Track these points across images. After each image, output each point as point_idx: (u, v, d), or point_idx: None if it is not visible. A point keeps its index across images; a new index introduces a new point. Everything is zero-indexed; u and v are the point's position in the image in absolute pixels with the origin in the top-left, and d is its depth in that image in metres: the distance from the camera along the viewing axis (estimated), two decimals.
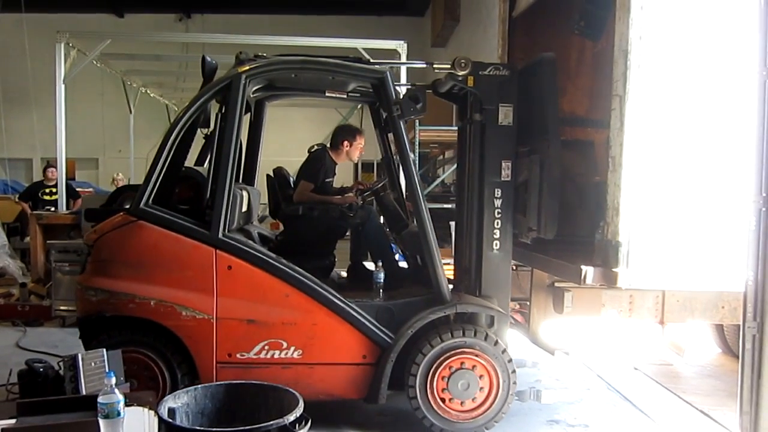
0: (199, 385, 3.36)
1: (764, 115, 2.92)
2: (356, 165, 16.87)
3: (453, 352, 3.95)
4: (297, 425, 2.89)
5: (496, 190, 4.26)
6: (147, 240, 3.91)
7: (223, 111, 3.99)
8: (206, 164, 4.53)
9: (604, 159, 3.83)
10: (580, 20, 4.86)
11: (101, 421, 2.66)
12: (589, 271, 3.77)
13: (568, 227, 4.40)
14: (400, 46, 9.04)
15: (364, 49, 8.78)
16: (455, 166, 12.05)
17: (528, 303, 4.92)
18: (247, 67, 4.02)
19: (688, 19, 3.68)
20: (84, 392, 3.48)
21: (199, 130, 4.19)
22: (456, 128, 10.61)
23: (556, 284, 4.40)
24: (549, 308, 4.50)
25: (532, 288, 4.82)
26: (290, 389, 3.20)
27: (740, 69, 3.52)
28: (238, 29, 14.08)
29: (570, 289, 4.23)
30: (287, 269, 3.95)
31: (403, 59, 8.80)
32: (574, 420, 4.39)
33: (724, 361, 5.84)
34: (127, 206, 4.18)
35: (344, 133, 5.24)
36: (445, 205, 8.56)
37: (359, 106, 11.52)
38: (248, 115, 4.77)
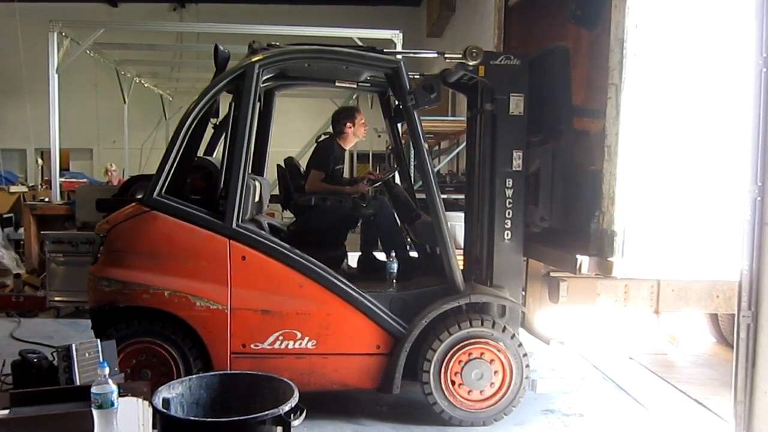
0: (194, 376, 3.35)
1: (760, 104, 2.92)
2: (351, 155, 16.83)
3: (470, 341, 3.97)
4: (292, 415, 2.89)
5: (507, 180, 4.27)
6: (160, 230, 3.91)
7: (236, 101, 3.97)
8: (215, 153, 4.53)
9: (600, 148, 3.82)
10: (576, 9, 4.83)
11: (95, 412, 2.65)
12: (584, 261, 3.78)
13: (565, 216, 4.40)
14: (396, 35, 9.02)
15: (360, 38, 8.75)
16: (450, 156, 12.16)
17: (523, 292, 4.93)
18: (261, 57, 4.00)
19: (685, 8, 3.66)
20: (78, 383, 3.47)
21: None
22: (452, 118, 10.66)
23: (552, 274, 4.40)
24: (544, 298, 4.50)
25: (527, 278, 4.82)
26: (285, 379, 3.19)
27: (736, 58, 3.51)
28: (232, 18, 14.01)
29: (565, 278, 4.24)
30: (301, 259, 3.95)
31: (399, 49, 8.78)
32: (569, 409, 4.40)
33: (719, 351, 5.86)
34: (140, 196, 4.17)
35: (343, 117, 5.24)
36: (441, 195, 8.55)
37: (354, 96, 11.49)
38: (258, 104, 4.77)
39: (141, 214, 3.93)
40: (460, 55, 4.13)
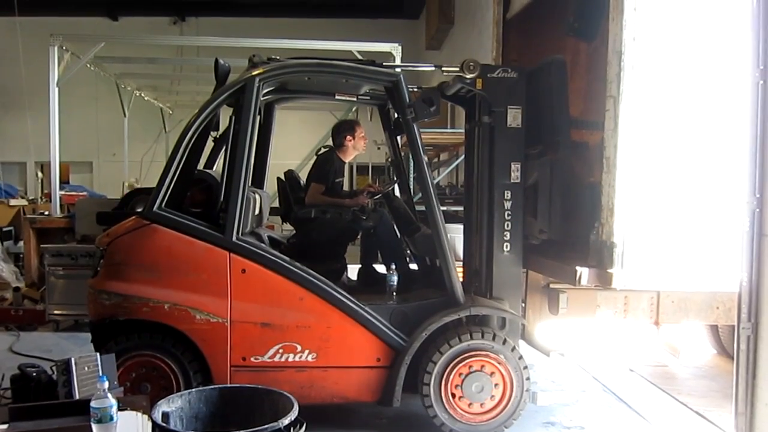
0: (193, 389, 3.34)
1: (757, 116, 2.93)
2: (351, 168, 16.87)
3: (471, 353, 3.96)
4: (292, 428, 2.88)
5: (505, 192, 4.27)
6: (160, 243, 3.91)
7: (236, 114, 3.98)
8: (216, 167, 4.54)
9: (599, 160, 3.83)
10: (574, 22, 4.86)
11: (94, 426, 2.64)
12: (583, 272, 3.77)
13: (564, 228, 4.40)
14: (395, 48, 9.06)
15: (359, 51, 8.79)
16: (450, 168, 12.18)
17: (523, 304, 4.92)
18: (261, 70, 4.02)
19: (682, 20, 3.69)
20: (77, 397, 3.46)
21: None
22: (451, 131, 10.70)
23: (551, 285, 4.40)
24: (544, 309, 4.50)
25: (527, 289, 4.82)
26: (285, 392, 3.19)
27: (734, 70, 3.53)
28: (232, 32, 14.04)
29: (565, 290, 4.24)
30: (301, 272, 3.95)
31: (398, 62, 8.82)
32: (569, 422, 4.39)
33: (719, 362, 5.85)
34: (140, 210, 4.17)
35: (344, 130, 5.28)
36: (441, 207, 8.57)
37: (354, 109, 11.53)
38: (258, 117, 4.78)
39: (141, 228, 3.93)
40: (458, 68, 4.15)
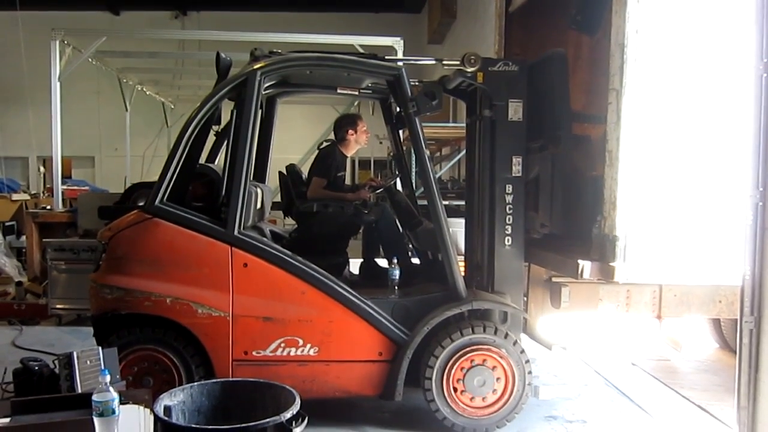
0: (195, 383, 3.35)
1: (761, 109, 2.91)
2: (353, 162, 16.87)
3: (472, 347, 3.96)
4: (293, 422, 2.88)
5: (507, 186, 4.26)
6: (162, 237, 3.91)
7: (238, 108, 3.98)
8: (217, 161, 4.54)
9: (601, 154, 3.82)
10: (577, 14, 4.85)
11: (96, 420, 2.64)
12: (586, 266, 3.77)
13: (565, 222, 4.40)
14: (397, 42, 9.05)
15: (361, 45, 8.77)
16: (452, 162, 12.18)
17: (525, 298, 4.92)
18: (263, 64, 4.01)
19: (685, 13, 3.67)
20: (80, 390, 3.46)
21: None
22: (453, 125, 10.68)
23: (553, 279, 4.40)
24: (546, 303, 4.49)
25: (529, 283, 4.82)
26: (287, 386, 3.19)
27: (737, 63, 3.51)
28: (233, 26, 14.08)
29: (567, 283, 4.23)
30: (303, 266, 3.95)
31: (400, 56, 8.81)
32: (572, 416, 4.39)
33: (722, 356, 5.84)
34: (142, 204, 4.17)
35: (345, 124, 5.27)
36: (443, 202, 8.57)
37: (356, 103, 11.51)
38: (260, 111, 4.78)
39: (143, 222, 3.93)
40: (459, 62, 4.14)
